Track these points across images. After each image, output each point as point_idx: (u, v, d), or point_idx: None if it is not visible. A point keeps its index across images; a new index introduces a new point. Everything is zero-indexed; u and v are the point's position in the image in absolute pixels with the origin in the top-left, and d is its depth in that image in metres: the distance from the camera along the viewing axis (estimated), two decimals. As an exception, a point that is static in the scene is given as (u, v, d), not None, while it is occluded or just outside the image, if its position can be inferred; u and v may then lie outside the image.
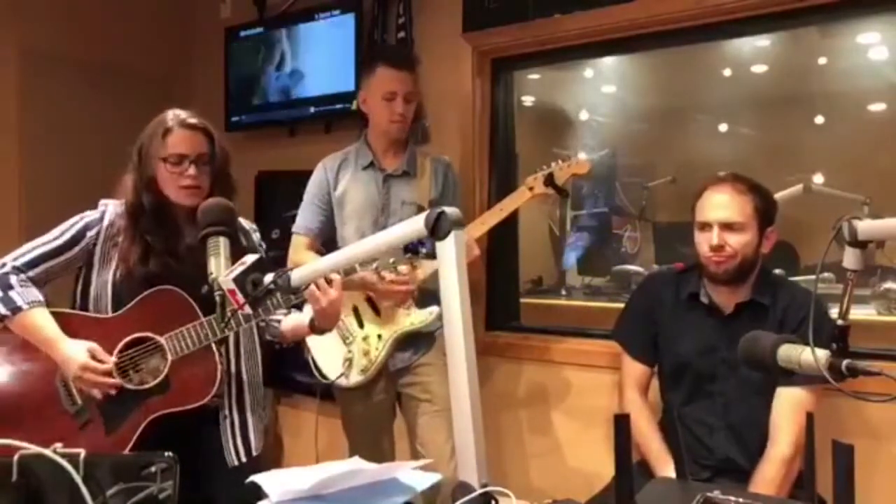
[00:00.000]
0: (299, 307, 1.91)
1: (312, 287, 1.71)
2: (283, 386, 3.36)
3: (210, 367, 1.77)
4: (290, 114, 3.40)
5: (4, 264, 1.79)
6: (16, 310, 1.75)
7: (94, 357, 1.73)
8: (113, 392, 1.74)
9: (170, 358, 1.75)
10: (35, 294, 1.78)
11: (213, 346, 1.78)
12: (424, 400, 2.39)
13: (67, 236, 1.84)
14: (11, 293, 1.75)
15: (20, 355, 1.80)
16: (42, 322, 1.76)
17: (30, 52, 3.24)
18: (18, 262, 1.80)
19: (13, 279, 1.77)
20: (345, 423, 2.50)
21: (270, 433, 3.45)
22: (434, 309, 2.33)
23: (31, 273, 1.80)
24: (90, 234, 1.85)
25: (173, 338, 1.76)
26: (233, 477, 1.76)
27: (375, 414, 2.44)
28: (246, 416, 1.92)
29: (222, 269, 1.49)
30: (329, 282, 1.73)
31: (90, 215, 1.88)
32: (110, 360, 1.74)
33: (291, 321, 1.94)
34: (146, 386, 1.76)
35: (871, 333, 2.36)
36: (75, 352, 1.73)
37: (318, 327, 1.86)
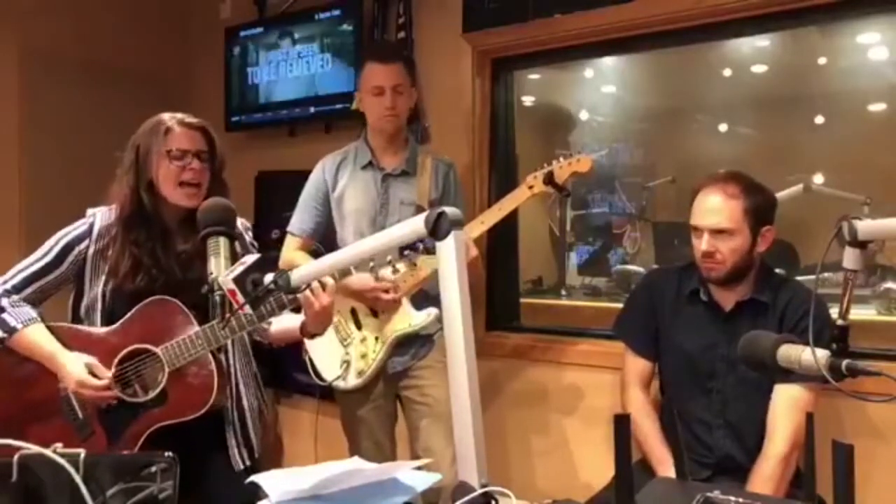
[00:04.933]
0: (298, 310, 1.90)
1: (307, 292, 1.67)
2: (283, 386, 3.36)
3: (207, 376, 1.77)
4: (290, 114, 3.40)
5: None
6: (11, 331, 1.77)
7: (91, 372, 1.73)
8: (113, 402, 1.75)
9: (167, 369, 1.75)
10: (28, 312, 1.80)
11: (210, 354, 1.77)
12: (423, 404, 2.37)
13: (53, 254, 1.84)
14: (4, 315, 1.78)
15: (24, 369, 1.80)
16: (39, 338, 1.78)
17: (30, 52, 3.24)
18: (8, 286, 1.82)
19: (4, 301, 1.80)
20: (345, 426, 2.49)
21: (271, 432, 3.45)
22: (432, 311, 2.32)
23: (22, 295, 1.82)
24: (79, 247, 1.85)
25: (170, 348, 1.75)
26: (240, 481, 1.75)
27: (375, 417, 2.42)
28: (245, 419, 1.92)
29: (222, 269, 1.49)
30: (323, 286, 1.70)
31: (77, 229, 1.87)
32: (107, 375, 1.74)
33: (280, 323, 1.91)
34: (145, 398, 1.76)
35: (871, 333, 2.36)
36: (73, 366, 1.74)
37: (308, 331, 1.85)
